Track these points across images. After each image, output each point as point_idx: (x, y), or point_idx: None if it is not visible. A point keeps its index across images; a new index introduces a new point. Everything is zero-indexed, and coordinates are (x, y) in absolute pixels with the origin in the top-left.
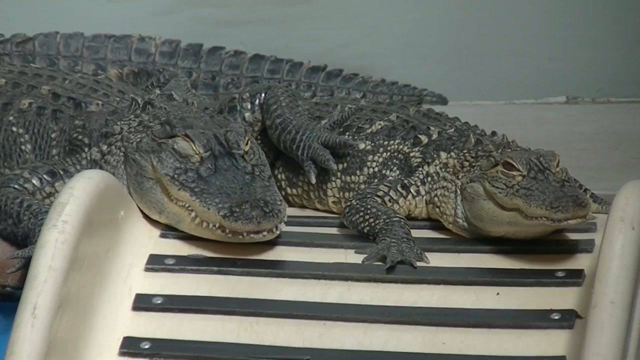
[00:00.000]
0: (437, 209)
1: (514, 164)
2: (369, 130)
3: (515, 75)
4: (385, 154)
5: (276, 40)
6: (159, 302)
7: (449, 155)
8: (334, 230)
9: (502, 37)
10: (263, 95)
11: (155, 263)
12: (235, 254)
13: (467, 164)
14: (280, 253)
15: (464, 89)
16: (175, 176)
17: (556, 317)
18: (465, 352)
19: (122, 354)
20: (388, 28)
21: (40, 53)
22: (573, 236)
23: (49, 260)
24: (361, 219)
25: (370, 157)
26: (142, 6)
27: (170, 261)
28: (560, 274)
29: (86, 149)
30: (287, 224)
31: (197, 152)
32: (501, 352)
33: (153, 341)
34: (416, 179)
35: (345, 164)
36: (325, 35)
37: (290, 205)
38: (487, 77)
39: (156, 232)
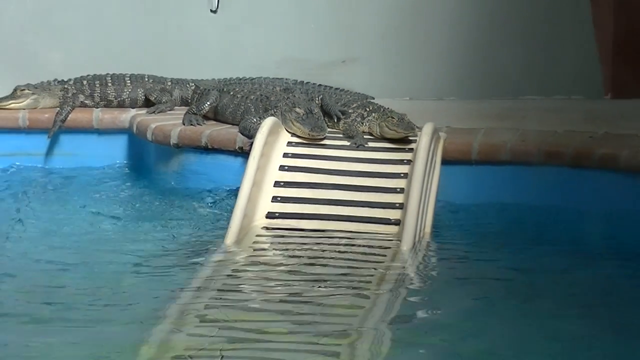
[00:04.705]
0: (369, 128)
1: (392, 116)
2: (352, 106)
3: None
4: (355, 114)
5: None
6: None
7: (375, 115)
8: (340, 135)
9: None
10: (322, 96)
11: (290, 145)
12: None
13: (381, 116)
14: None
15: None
16: (297, 118)
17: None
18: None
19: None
20: None
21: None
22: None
23: (258, 143)
24: (346, 125)
25: (352, 113)
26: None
27: (293, 143)
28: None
29: (270, 112)
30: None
31: (302, 112)
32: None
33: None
34: (366, 121)
35: (345, 116)
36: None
37: (329, 127)
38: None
39: (289, 134)
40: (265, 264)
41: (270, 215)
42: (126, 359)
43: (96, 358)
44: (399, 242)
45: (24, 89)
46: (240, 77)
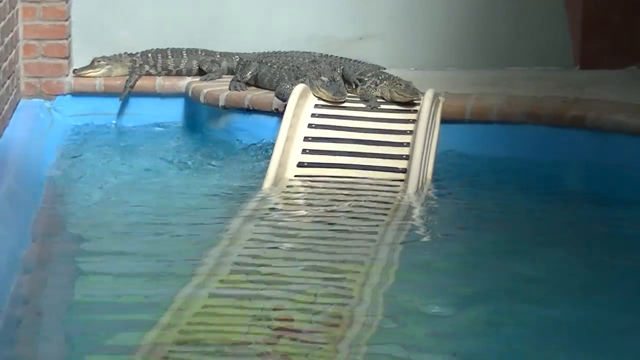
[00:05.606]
0: (381, 93)
1: (400, 83)
2: (367, 75)
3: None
4: (370, 82)
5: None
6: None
7: (386, 82)
8: (357, 99)
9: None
10: (343, 67)
11: (317, 107)
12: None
13: (391, 83)
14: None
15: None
16: (322, 85)
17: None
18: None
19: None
20: None
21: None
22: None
23: (290, 105)
24: (363, 90)
25: (367, 81)
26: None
27: (319, 105)
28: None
29: (301, 80)
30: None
31: (326, 80)
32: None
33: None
34: (379, 87)
35: (362, 83)
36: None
37: (348, 92)
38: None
39: (316, 98)
40: (296, 204)
41: (300, 165)
42: (177, 286)
43: (142, 289)
44: (405, 186)
45: (100, 60)
46: (276, 50)
